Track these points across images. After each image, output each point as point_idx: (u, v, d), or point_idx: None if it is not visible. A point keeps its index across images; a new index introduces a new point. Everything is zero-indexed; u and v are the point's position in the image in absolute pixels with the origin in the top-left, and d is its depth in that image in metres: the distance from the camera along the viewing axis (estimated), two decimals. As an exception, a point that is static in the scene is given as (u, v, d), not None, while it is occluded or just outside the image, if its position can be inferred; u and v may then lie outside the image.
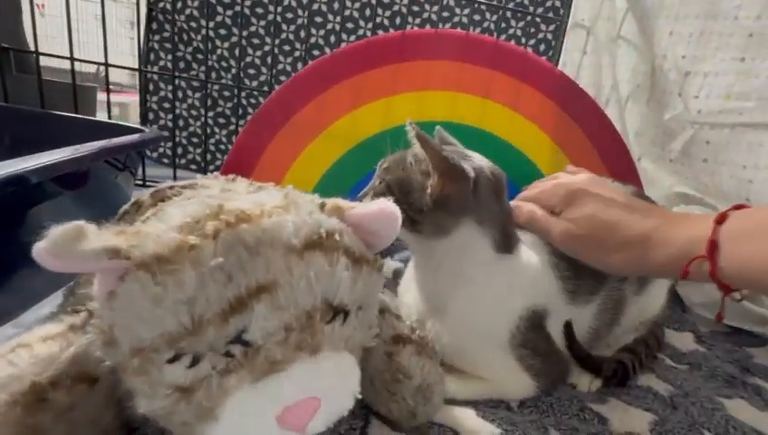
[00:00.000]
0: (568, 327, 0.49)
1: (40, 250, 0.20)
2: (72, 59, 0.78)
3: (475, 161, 0.43)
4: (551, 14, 1.23)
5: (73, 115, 0.77)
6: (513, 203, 0.46)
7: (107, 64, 0.80)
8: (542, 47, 1.37)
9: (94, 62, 0.82)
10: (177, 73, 1.01)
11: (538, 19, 1.32)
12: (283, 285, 0.21)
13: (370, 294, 0.27)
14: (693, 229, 0.36)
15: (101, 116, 1.43)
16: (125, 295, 0.21)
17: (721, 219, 0.35)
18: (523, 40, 1.32)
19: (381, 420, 0.37)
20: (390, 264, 0.69)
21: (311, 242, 0.23)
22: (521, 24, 1.35)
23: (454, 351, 0.44)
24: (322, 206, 0.26)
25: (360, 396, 0.26)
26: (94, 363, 0.25)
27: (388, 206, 0.27)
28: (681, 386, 0.53)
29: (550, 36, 1.36)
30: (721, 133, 0.67)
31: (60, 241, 0.19)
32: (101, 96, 1.25)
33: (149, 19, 1.35)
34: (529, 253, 0.46)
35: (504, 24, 1.34)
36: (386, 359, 0.35)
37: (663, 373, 0.55)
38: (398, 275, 0.62)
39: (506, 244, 0.43)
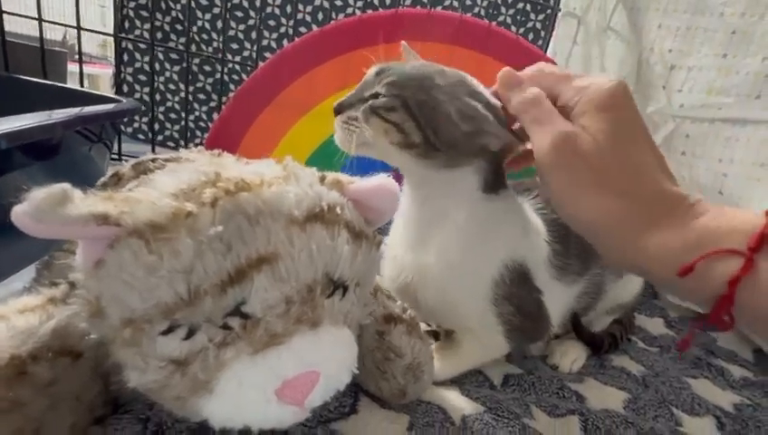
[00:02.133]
0: (575, 318, 0.51)
1: (21, 214, 0.18)
2: (39, 20, 0.72)
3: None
4: (542, 2, 1.23)
5: (43, 81, 0.72)
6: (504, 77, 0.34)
7: (79, 27, 0.75)
8: (530, 36, 1.37)
9: (65, 25, 0.76)
10: (154, 43, 0.96)
11: (528, 7, 1.32)
12: (285, 256, 0.21)
13: (369, 270, 0.26)
14: (730, 216, 0.25)
15: (72, 86, 1.35)
16: (115, 264, 0.20)
17: None
18: (513, 28, 1.32)
19: (370, 398, 0.38)
20: (380, 237, 0.68)
21: (312, 214, 0.22)
22: (511, 11, 1.34)
23: (433, 297, 0.42)
24: (322, 179, 0.25)
25: (356, 372, 0.26)
26: (77, 337, 0.23)
27: (387, 181, 0.27)
28: (652, 367, 0.56)
29: (539, 26, 1.36)
30: (700, 127, 0.70)
31: (43, 205, 0.18)
32: (71, 67, 1.17)
33: (124, -16, 1.27)
34: (520, 203, 0.44)
35: (494, 11, 1.34)
36: (377, 338, 0.35)
37: (636, 355, 0.58)
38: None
39: (496, 184, 0.40)
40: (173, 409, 0.23)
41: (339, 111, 0.39)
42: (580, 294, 0.49)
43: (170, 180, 0.22)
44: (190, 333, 0.20)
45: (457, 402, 0.40)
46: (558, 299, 0.47)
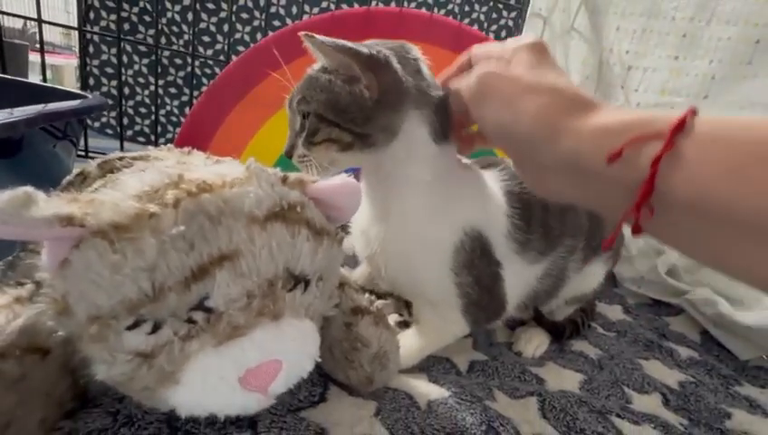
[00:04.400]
0: (536, 312, 0.54)
1: (-16, 216, 0.19)
2: (-3, 11, 0.69)
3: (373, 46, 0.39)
4: (512, 2, 1.26)
5: (3, 76, 0.70)
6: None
7: (39, 20, 0.72)
8: (503, 33, 1.40)
9: (24, 17, 0.74)
10: (122, 36, 0.93)
11: (500, 5, 1.35)
12: (246, 253, 0.22)
13: (330, 265, 0.28)
14: (648, 113, 0.26)
15: (33, 79, 1.29)
16: (80, 263, 0.20)
17: (695, 110, 0.24)
18: (486, 25, 1.34)
19: (339, 387, 0.39)
20: (342, 233, 0.70)
21: (273, 213, 0.23)
22: (484, 8, 1.37)
23: (397, 266, 0.43)
24: (285, 179, 0.26)
25: (319, 361, 0.27)
26: (45, 334, 0.24)
27: (349, 181, 0.28)
28: (608, 350, 0.60)
29: (511, 23, 1.39)
30: (655, 125, 0.74)
31: (7, 207, 0.19)
32: (33, 57, 1.12)
33: (88, -27, 1.22)
34: (480, 173, 0.45)
35: (467, 8, 1.36)
36: (345, 329, 0.37)
37: (594, 340, 0.62)
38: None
39: (443, 131, 0.40)
40: (141, 399, 0.24)
41: (289, 156, 0.42)
42: (543, 275, 0.49)
43: (134, 182, 0.23)
44: (156, 328, 0.21)
45: (424, 388, 0.42)
46: (518, 275, 0.47)
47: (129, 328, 0.21)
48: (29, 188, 0.20)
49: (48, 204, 0.20)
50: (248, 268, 0.22)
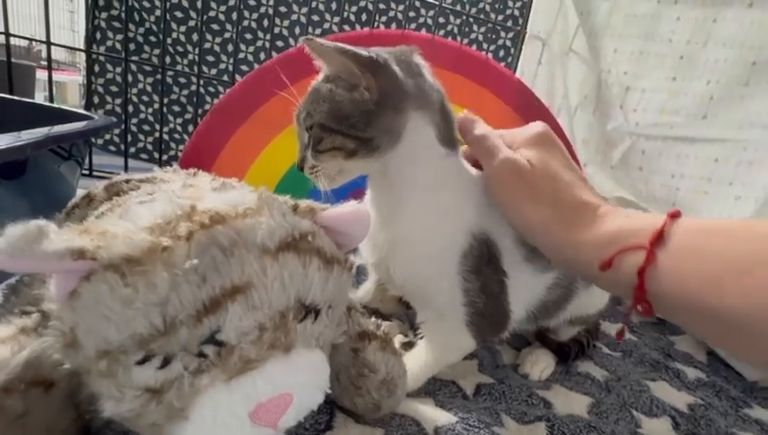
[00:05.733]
0: (541, 333, 0.54)
1: (-5, 250, 0.19)
2: (7, 34, 0.70)
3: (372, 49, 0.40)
4: (510, 23, 1.29)
5: (10, 97, 0.70)
6: (465, 117, 0.42)
7: (48, 43, 0.73)
8: (501, 53, 1.43)
9: (33, 39, 0.75)
10: (128, 57, 0.94)
11: (498, 27, 1.38)
12: (258, 285, 0.22)
13: (341, 293, 0.28)
14: (636, 219, 0.30)
15: (39, 96, 1.31)
16: (90, 296, 0.20)
17: (676, 214, 0.27)
18: (485, 45, 1.37)
19: (345, 414, 0.39)
20: (352, 259, 0.69)
21: (285, 244, 0.23)
22: (482, 29, 1.40)
23: (405, 270, 0.43)
24: (295, 207, 0.26)
25: (329, 392, 0.27)
26: (50, 367, 0.24)
27: (359, 207, 0.28)
28: (615, 371, 0.59)
29: (509, 43, 1.42)
30: (654, 145, 0.75)
31: (18, 241, 0.19)
32: (37, 74, 1.14)
33: (95, -6, 1.25)
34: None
35: (466, 29, 1.39)
36: (352, 355, 0.36)
37: (600, 360, 0.61)
38: (360, 272, 0.63)
39: (449, 136, 0.42)
40: (148, 435, 0.23)
41: (300, 168, 0.44)
42: (552, 285, 0.49)
43: (146, 213, 0.23)
44: (165, 362, 0.20)
45: (431, 414, 0.42)
46: (527, 284, 0.46)
47: (139, 363, 0.20)
48: (41, 222, 0.19)
49: (59, 237, 0.20)
50: (260, 300, 0.22)
